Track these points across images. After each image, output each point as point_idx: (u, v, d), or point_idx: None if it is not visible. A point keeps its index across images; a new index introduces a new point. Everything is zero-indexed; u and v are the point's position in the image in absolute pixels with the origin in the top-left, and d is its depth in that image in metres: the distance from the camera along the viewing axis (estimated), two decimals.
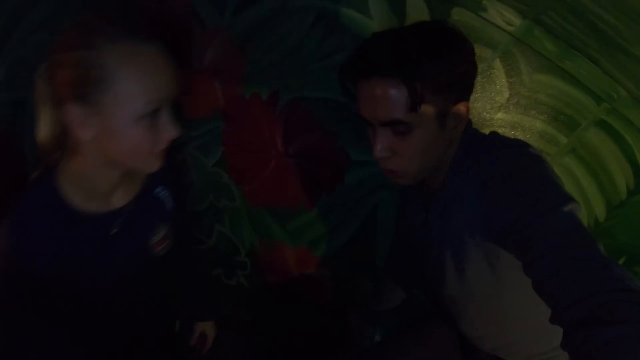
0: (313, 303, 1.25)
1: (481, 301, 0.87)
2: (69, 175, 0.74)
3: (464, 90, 0.76)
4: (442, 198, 0.83)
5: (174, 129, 0.70)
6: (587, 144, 1.07)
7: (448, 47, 0.72)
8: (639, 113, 1.06)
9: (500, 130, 1.07)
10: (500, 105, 1.05)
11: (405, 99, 0.70)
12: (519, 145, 0.75)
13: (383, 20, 1.03)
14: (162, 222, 0.89)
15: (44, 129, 0.70)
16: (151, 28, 0.66)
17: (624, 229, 1.18)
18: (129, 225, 0.83)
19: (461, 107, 0.75)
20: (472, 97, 0.78)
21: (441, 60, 0.70)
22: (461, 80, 0.74)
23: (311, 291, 1.26)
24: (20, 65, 1.03)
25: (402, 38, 0.73)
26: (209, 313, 1.16)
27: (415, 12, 1.01)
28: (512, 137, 1.06)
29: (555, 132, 1.06)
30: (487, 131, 1.05)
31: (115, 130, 0.66)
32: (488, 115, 1.06)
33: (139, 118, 0.66)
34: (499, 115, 1.06)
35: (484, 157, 0.75)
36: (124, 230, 0.83)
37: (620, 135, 1.08)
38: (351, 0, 1.03)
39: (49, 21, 1.02)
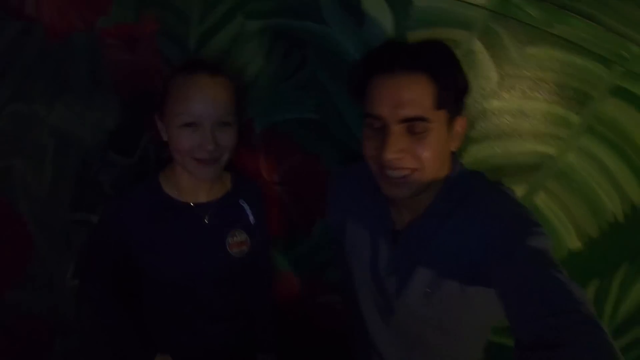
0: (326, 329, 1.18)
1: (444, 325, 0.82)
2: (166, 174, 0.98)
3: (462, 106, 0.78)
4: (428, 220, 0.79)
5: (207, 141, 0.86)
6: (606, 118, 0.89)
7: (458, 61, 0.75)
8: None
9: (499, 121, 0.93)
10: (491, 92, 0.91)
11: (430, 96, 0.70)
12: (501, 192, 0.78)
13: (341, 26, 0.94)
14: (242, 228, 1.01)
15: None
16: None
17: None
18: (215, 220, 0.98)
19: (461, 120, 0.77)
20: None
21: (458, 70, 0.75)
22: (463, 95, 0.77)
23: (323, 318, 1.19)
24: (0, 136, 1.09)
25: (424, 43, 0.75)
26: (274, 346, 1.13)
27: (373, 9, 0.91)
28: (515, 126, 0.92)
29: (564, 112, 0.90)
30: (483, 124, 0.93)
31: (170, 134, 0.90)
32: (479, 106, 0.92)
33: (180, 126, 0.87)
34: (494, 104, 0.92)
35: (474, 199, 0.77)
36: (211, 224, 0.97)
37: None
38: (305, 12, 0.96)
39: (20, 91, 1.05)
